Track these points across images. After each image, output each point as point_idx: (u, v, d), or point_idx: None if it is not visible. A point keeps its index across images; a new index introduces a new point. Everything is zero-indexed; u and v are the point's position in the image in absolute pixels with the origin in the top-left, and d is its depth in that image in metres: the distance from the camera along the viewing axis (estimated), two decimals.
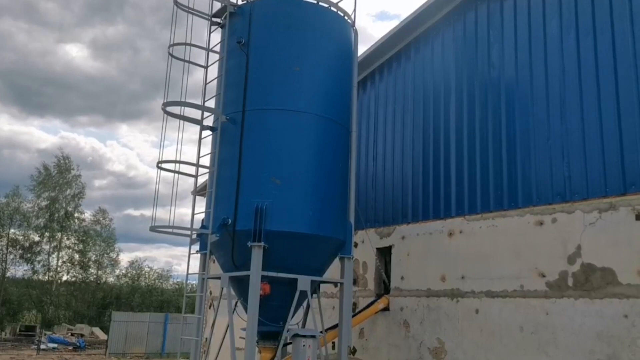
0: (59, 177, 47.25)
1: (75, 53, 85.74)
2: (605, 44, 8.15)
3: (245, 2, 9.30)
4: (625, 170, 7.55)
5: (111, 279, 51.02)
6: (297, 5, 9.15)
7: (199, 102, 9.18)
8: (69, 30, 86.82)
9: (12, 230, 45.59)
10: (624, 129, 7.69)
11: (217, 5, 9.32)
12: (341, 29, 9.50)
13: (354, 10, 9.85)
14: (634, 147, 7.52)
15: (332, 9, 9.42)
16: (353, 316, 9.80)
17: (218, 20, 9.46)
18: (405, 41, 11.87)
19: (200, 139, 9.13)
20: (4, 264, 45.11)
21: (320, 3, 9.29)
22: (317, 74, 8.91)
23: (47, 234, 45.98)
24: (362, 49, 10.53)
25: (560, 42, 8.77)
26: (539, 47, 9.08)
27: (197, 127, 9.16)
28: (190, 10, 9.20)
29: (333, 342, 9.89)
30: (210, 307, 15.64)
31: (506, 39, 9.68)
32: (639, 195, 7.34)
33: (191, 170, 9.02)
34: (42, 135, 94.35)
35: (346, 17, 9.65)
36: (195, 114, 9.12)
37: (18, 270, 46.66)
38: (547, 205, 8.43)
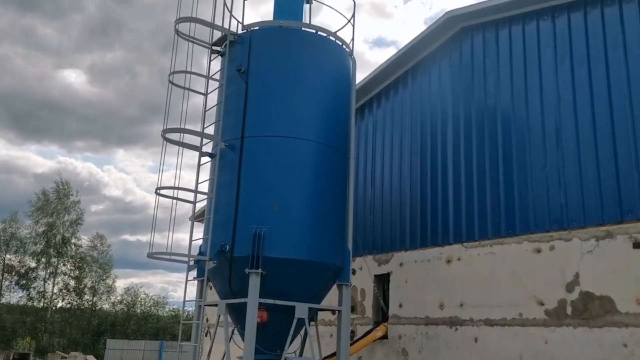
0: (58, 202, 47.11)
1: (73, 78, 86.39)
2: (600, 73, 8.28)
3: (245, 31, 9.44)
4: (621, 198, 7.59)
5: (106, 306, 50.47)
6: (296, 34, 9.30)
7: (197, 127, 9.25)
8: (67, 55, 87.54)
9: (7, 256, 45.27)
10: (619, 157, 7.76)
11: (217, 34, 9.47)
12: (339, 57, 9.63)
13: (352, 39, 10.00)
14: (630, 175, 7.57)
15: (331, 37, 9.57)
16: (351, 344, 9.71)
17: (218, 48, 9.60)
18: (402, 69, 12.03)
19: (199, 165, 9.17)
20: None
21: (319, 32, 9.44)
22: (315, 101, 8.99)
23: (43, 260, 45.66)
24: (359, 74, 10.65)
25: (555, 71, 8.90)
26: (534, 76, 9.21)
27: (195, 152, 9.21)
28: (191, 39, 9.33)
29: None
30: (206, 335, 15.48)
31: (502, 67, 9.82)
32: (635, 223, 7.37)
33: (189, 196, 9.04)
34: (39, 160, 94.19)
35: (344, 46, 9.79)
36: (194, 140, 9.18)
37: (13, 296, 46.20)
38: (544, 232, 8.44)
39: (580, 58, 8.59)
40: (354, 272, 10.13)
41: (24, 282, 45.39)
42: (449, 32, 11.01)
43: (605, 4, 8.45)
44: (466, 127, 10.25)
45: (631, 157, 7.62)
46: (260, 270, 7.82)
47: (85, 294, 47.84)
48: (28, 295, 45.69)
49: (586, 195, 8.02)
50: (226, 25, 9.32)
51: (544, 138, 8.80)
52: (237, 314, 8.41)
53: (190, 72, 9.27)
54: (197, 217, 10.31)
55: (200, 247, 8.80)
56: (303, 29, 9.42)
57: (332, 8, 10.06)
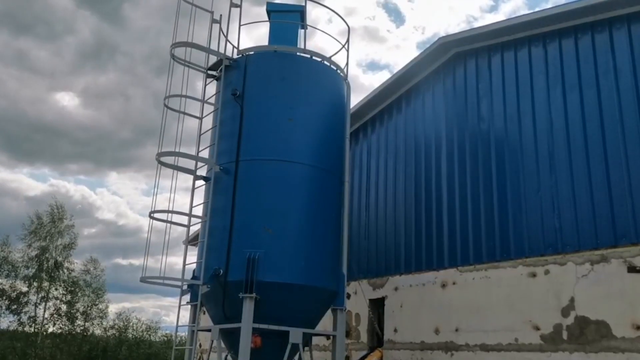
0: (51, 226, 46.79)
1: (67, 101, 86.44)
2: (591, 99, 8.37)
3: (240, 55, 9.52)
4: (615, 222, 7.60)
5: (98, 331, 49.78)
6: (291, 59, 9.38)
7: (191, 150, 9.25)
8: (61, 78, 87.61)
9: None
10: (612, 181, 7.80)
11: (213, 58, 9.53)
12: (334, 81, 9.71)
13: (346, 64, 10.10)
14: (623, 199, 7.60)
15: (325, 62, 9.66)
16: None
17: (213, 72, 9.66)
18: (396, 94, 12.13)
19: (193, 188, 9.15)
20: None
21: (314, 57, 9.53)
22: (310, 125, 9.03)
23: (35, 284, 45.14)
24: (353, 97, 10.77)
25: (547, 96, 8.99)
26: (526, 101, 9.30)
27: (190, 175, 9.19)
28: (186, 63, 9.40)
29: None
30: None
31: (495, 92, 9.92)
32: (629, 247, 7.37)
33: (183, 220, 9.00)
34: (31, 182, 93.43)
35: (338, 70, 9.88)
36: (189, 163, 9.17)
37: (3, 321, 45.50)
38: (539, 256, 8.43)
39: (572, 83, 8.69)
40: (348, 296, 10.06)
41: (15, 306, 44.78)
42: (443, 57, 11.14)
43: (595, 31, 8.59)
44: (460, 151, 10.30)
45: (624, 182, 7.66)
46: (254, 295, 7.75)
47: (77, 318, 47.24)
48: (19, 320, 45.05)
49: (580, 219, 8.04)
50: (222, 50, 9.40)
51: (537, 162, 8.85)
52: (231, 339, 8.31)
53: (186, 96, 9.32)
54: (191, 240, 10.25)
55: (194, 271, 8.73)
56: (298, 53, 9.51)
57: (327, 33, 10.19)
